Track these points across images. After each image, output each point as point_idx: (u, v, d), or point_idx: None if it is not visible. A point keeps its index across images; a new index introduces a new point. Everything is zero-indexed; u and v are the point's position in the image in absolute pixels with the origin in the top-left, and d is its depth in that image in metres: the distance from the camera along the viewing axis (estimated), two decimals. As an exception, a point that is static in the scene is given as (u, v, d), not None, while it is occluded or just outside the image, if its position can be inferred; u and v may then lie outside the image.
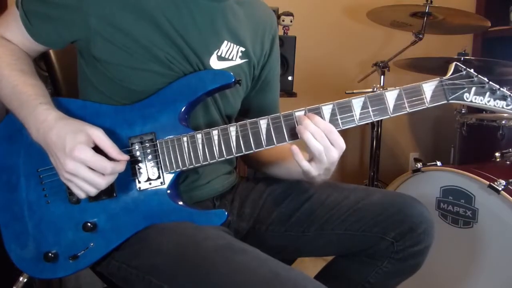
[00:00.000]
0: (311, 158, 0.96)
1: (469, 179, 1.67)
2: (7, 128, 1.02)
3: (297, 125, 0.95)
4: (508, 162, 1.89)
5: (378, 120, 2.38)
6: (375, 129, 2.40)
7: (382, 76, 2.33)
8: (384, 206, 1.07)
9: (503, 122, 2.01)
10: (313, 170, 0.96)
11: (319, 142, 0.93)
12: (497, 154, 1.95)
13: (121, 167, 0.91)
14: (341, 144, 0.95)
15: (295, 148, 0.95)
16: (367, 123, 2.70)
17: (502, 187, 1.57)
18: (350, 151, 2.88)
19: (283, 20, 2.30)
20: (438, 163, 1.78)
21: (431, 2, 2.10)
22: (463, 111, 2.19)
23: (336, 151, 0.95)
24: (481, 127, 2.12)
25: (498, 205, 1.60)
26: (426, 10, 2.11)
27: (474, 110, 2.25)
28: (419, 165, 1.80)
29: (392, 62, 2.31)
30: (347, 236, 1.08)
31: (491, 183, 1.58)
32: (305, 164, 0.96)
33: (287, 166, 1.13)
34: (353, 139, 0.93)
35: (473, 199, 1.67)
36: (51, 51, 1.27)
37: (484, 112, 2.13)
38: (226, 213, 0.97)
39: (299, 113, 0.97)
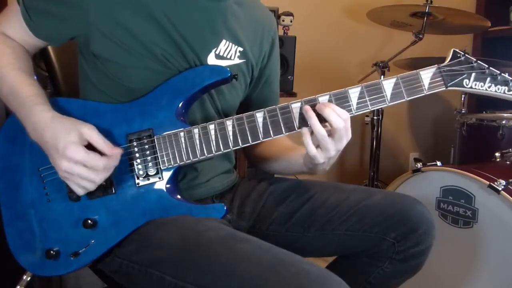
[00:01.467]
0: (317, 145, 0.95)
1: (469, 179, 1.67)
2: (11, 129, 1.03)
3: (306, 113, 0.94)
4: (508, 162, 1.89)
5: (378, 120, 2.39)
6: (375, 129, 2.40)
7: (382, 76, 2.33)
8: (384, 207, 1.06)
9: (503, 122, 2.01)
10: (319, 156, 0.95)
11: (324, 129, 0.92)
12: (497, 154, 1.94)
13: (114, 162, 0.92)
14: (350, 134, 0.95)
15: (306, 129, 0.94)
16: (367, 123, 2.68)
17: (502, 187, 1.57)
18: (350, 151, 2.88)
19: (283, 20, 2.30)
20: (438, 163, 1.78)
21: (431, 2, 2.10)
22: (463, 111, 2.19)
23: (345, 140, 0.94)
24: (481, 127, 2.12)
25: (498, 205, 1.60)
26: (426, 10, 2.12)
27: (474, 110, 2.25)
28: (419, 165, 1.80)
29: (392, 62, 2.31)
30: (348, 237, 1.08)
31: (491, 183, 1.58)
32: (312, 148, 0.94)
33: (287, 159, 1.13)
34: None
35: (473, 199, 1.67)
36: (51, 51, 1.27)
37: (484, 112, 2.13)
38: (225, 207, 0.98)
39: (295, 105, 0.96)
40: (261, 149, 1.21)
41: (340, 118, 0.93)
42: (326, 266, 1.20)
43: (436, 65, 0.97)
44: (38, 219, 0.99)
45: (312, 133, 0.94)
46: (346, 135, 0.94)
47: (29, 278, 1.31)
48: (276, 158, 1.17)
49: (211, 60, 1.05)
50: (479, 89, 0.97)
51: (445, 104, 3.08)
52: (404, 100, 0.97)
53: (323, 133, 0.92)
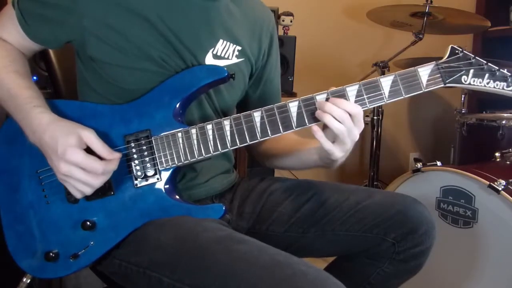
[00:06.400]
0: (334, 140, 0.95)
1: (469, 179, 1.66)
2: (8, 131, 1.03)
3: (320, 114, 0.94)
4: (508, 162, 1.89)
5: (378, 120, 2.39)
6: (375, 129, 2.40)
7: (382, 76, 2.33)
8: (384, 207, 1.06)
9: (503, 122, 2.01)
10: (336, 151, 0.95)
11: (342, 124, 0.92)
12: (497, 154, 1.94)
13: (113, 166, 0.92)
14: (362, 124, 0.95)
15: (316, 127, 0.94)
16: (367, 123, 2.69)
17: (502, 187, 1.57)
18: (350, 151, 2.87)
19: (283, 20, 2.30)
20: (438, 163, 1.78)
21: (431, 2, 2.10)
22: (463, 111, 2.19)
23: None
24: (481, 127, 2.12)
25: (498, 205, 1.60)
26: (426, 10, 2.12)
27: (474, 110, 2.24)
28: (419, 165, 1.80)
29: (392, 62, 2.31)
30: (348, 237, 1.08)
31: (491, 183, 1.58)
32: (328, 144, 0.94)
33: (296, 155, 1.12)
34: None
35: (473, 199, 1.66)
36: (50, 51, 1.26)
37: (484, 112, 2.12)
38: (223, 207, 0.97)
39: (293, 104, 0.96)
40: (267, 146, 1.20)
41: (340, 109, 0.92)
42: (326, 266, 1.20)
43: (434, 61, 0.96)
44: (37, 222, 0.99)
45: (323, 129, 0.94)
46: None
47: (28, 281, 1.31)
48: (285, 154, 1.15)
49: (209, 60, 1.05)
50: (477, 85, 0.95)
51: (445, 104, 3.08)
52: (402, 97, 0.96)
53: (341, 128, 0.92)
